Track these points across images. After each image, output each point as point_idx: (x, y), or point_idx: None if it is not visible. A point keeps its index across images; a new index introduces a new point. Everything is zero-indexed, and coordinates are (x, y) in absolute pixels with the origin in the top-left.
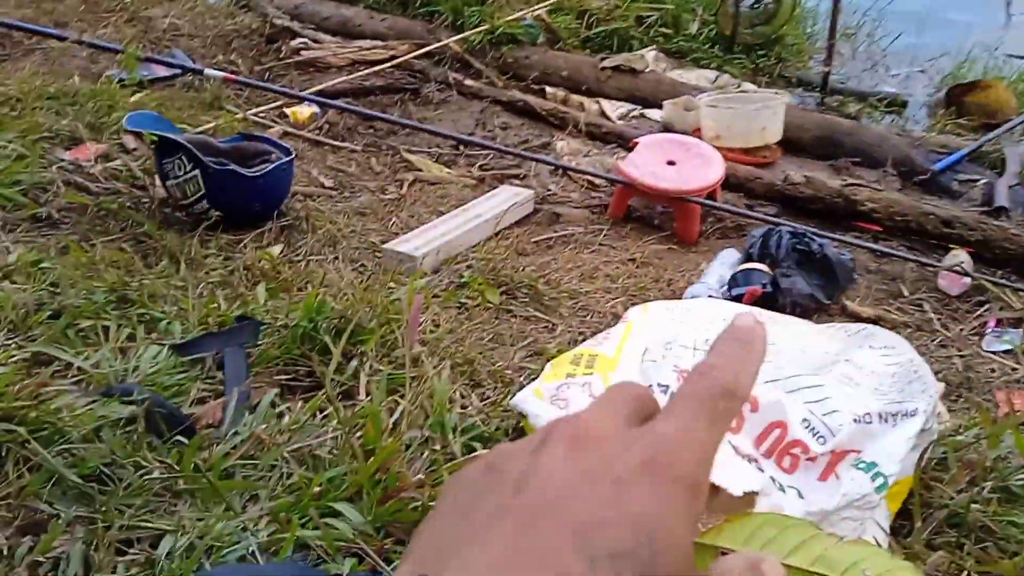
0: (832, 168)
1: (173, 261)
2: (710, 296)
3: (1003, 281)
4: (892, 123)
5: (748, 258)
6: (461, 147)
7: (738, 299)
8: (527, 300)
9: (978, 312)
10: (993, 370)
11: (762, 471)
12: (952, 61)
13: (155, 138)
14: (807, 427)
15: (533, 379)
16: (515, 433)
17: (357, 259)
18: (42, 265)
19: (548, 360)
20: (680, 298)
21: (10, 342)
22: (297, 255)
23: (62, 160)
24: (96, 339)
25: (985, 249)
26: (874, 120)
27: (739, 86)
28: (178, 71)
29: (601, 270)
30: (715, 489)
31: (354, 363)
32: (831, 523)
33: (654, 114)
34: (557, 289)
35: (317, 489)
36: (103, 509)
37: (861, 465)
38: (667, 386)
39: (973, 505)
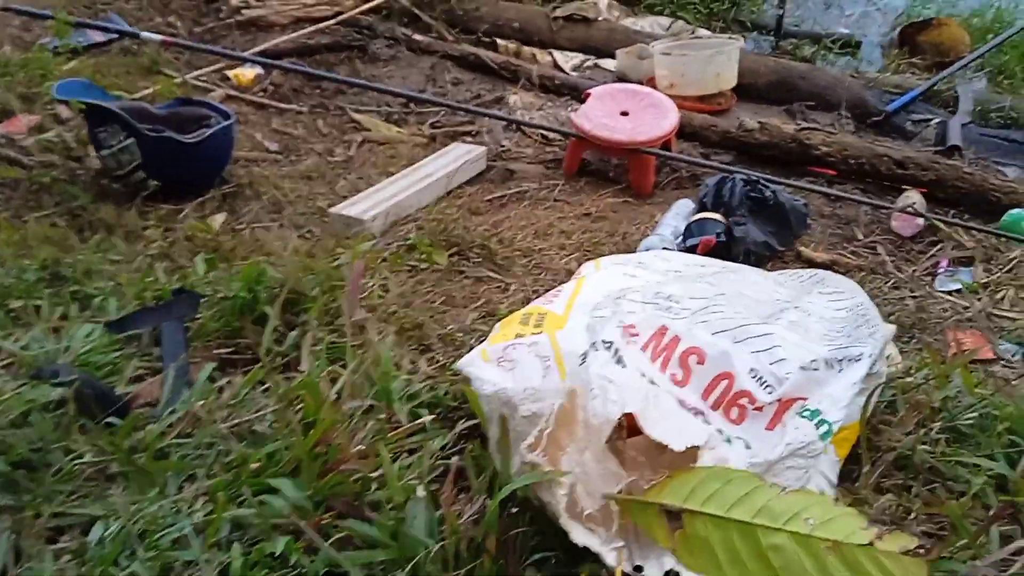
0: (787, 113)
1: (109, 234)
2: (664, 248)
3: (955, 221)
4: (846, 65)
5: (702, 208)
6: (411, 105)
7: (692, 250)
8: (480, 260)
9: (931, 253)
10: (945, 310)
11: (709, 424)
12: None
13: (82, 106)
14: (754, 377)
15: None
16: (463, 397)
17: (303, 225)
18: None
19: (500, 320)
20: (635, 251)
21: None
22: (240, 223)
23: None
24: (27, 319)
25: (938, 189)
26: (828, 62)
27: (693, 32)
28: (114, 36)
29: (556, 226)
30: (660, 446)
31: (295, 333)
32: (775, 473)
33: (608, 64)
34: (511, 248)
35: (255, 465)
36: (31, 498)
37: (805, 413)
38: (611, 343)
39: (921, 446)
